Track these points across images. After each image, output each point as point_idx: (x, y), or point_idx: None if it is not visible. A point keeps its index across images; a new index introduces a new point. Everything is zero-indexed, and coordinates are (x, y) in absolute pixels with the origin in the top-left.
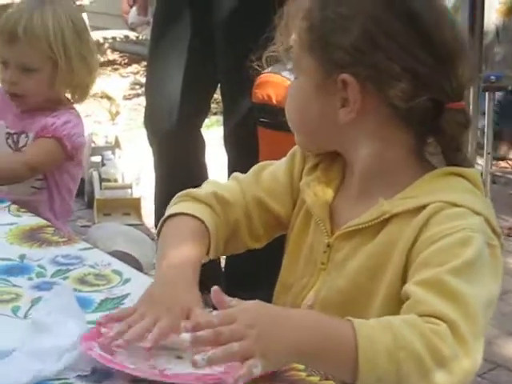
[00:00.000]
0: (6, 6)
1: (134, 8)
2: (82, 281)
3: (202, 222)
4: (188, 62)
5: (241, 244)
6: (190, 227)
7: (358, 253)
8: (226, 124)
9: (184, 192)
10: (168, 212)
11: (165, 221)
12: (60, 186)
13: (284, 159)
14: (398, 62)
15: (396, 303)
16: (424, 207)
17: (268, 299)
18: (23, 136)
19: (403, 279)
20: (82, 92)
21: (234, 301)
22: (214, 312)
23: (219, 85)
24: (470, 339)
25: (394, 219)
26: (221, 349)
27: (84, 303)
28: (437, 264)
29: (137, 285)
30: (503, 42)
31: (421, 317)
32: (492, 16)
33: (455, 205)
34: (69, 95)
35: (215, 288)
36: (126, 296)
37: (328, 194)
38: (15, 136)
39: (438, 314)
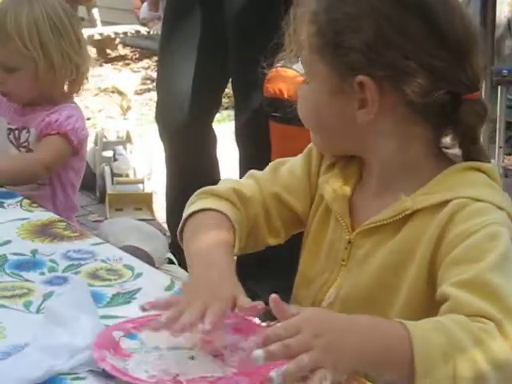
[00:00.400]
0: None
1: (146, 3)
2: (93, 275)
3: (227, 216)
4: (199, 58)
5: (260, 240)
6: (216, 219)
7: (379, 249)
8: (237, 119)
9: (202, 190)
10: (189, 210)
11: (187, 219)
12: (64, 182)
13: (300, 156)
14: (413, 59)
15: (418, 300)
16: (447, 203)
17: (282, 291)
18: (24, 132)
19: (428, 276)
20: (73, 86)
21: (294, 309)
22: (278, 323)
23: (230, 80)
24: None
25: (416, 215)
26: (292, 363)
27: (96, 298)
28: (469, 261)
29: (148, 279)
30: None
31: (467, 317)
32: (504, 9)
33: (478, 200)
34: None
35: (274, 296)
36: (137, 290)
37: (347, 190)
38: (16, 132)
39: (484, 314)
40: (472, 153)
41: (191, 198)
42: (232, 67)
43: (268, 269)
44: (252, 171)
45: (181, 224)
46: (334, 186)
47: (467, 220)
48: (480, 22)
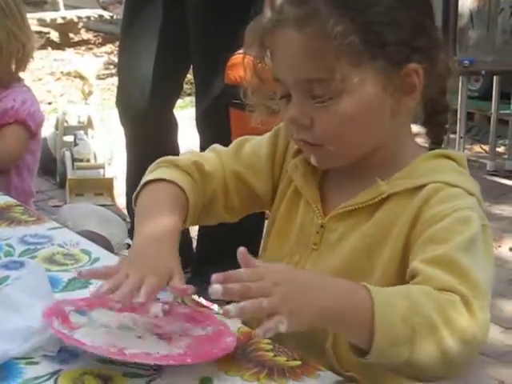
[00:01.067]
0: None
1: None
2: (50, 260)
3: (183, 190)
4: (160, 43)
5: (214, 215)
6: (170, 194)
7: (353, 233)
8: (198, 105)
9: (163, 159)
10: (147, 177)
11: (143, 187)
12: (20, 166)
13: (266, 136)
14: (438, 44)
15: (392, 282)
16: (422, 187)
17: None
18: None
19: (401, 259)
20: (20, 65)
21: (261, 262)
22: (242, 269)
23: (192, 66)
24: (479, 314)
25: (391, 199)
26: (250, 302)
27: (52, 282)
28: (440, 241)
29: (105, 264)
30: (477, 26)
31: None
32: (466, 0)
33: (452, 185)
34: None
35: (242, 249)
36: None
37: (317, 174)
38: None
39: (451, 288)
40: (439, 140)
41: (151, 166)
42: (193, 53)
43: (228, 255)
44: (215, 145)
45: (137, 189)
46: (304, 171)
47: (441, 203)
48: (443, 12)
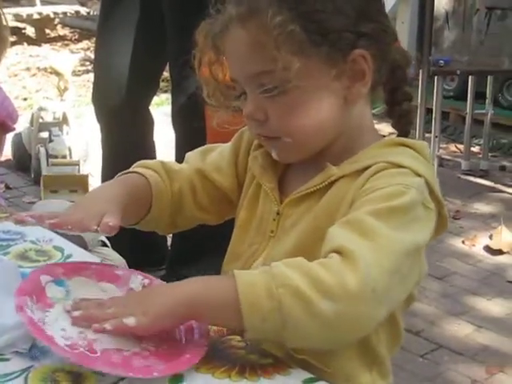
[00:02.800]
0: None
1: None
2: (22, 256)
3: (149, 182)
4: (137, 39)
5: (189, 215)
6: (136, 181)
7: (305, 217)
8: (173, 102)
9: (136, 164)
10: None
11: None
12: None
13: (231, 140)
14: (387, 28)
15: None
16: (369, 167)
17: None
18: None
19: None
20: None
21: None
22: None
23: (168, 64)
24: (365, 267)
25: (340, 181)
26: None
27: (24, 279)
28: (358, 208)
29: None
30: (452, 26)
31: (325, 255)
32: (442, 1)
33: (399, 166)
34: None
35: None
36: None
37: (278, 166)
38: None
39: (338, 248)
40: (406, 132)
41: (121, 173)
42: (170, 50)
43: (203, 256)
44: (187, 154)
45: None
46: (262, 162)
47: (377, 179)
48: (419, 13)
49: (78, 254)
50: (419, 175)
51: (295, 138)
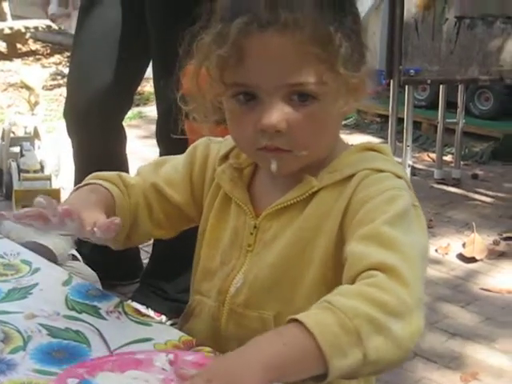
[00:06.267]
0: None
1: None
2: None
3: (112, 194)
4: (113, 54)
5: (143, 230)
6: (99, 192)
7: (287, 229)
8: (158, 112)
9: (91, 175)
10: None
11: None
12: None
13: (185, 153)
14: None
15: (329, 274)
16: (351, 177)
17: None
18: None
19: (337, 247)
20: None
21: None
22: None
23: (152, 77)
24: (410, 279)
25: (321, 191)
26: None
27: None
28: (368, 222)
29: (46, 274)
30: (422, 35)
31: (359, 274)
32: (411, 9)
33: (380, 170)
34: None
35: None
36: (34, 286)
37: (245, 178)
38: None
39: (375, 265)
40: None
41: (81, 184)
42: (155, 66)
43: (181, 270)
44: (139, 167)
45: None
46: (231, 176)
47: (368, 187)
48: (388, 22)
49: (46, 267)
50: (399, 177)
51: (311, 151)
